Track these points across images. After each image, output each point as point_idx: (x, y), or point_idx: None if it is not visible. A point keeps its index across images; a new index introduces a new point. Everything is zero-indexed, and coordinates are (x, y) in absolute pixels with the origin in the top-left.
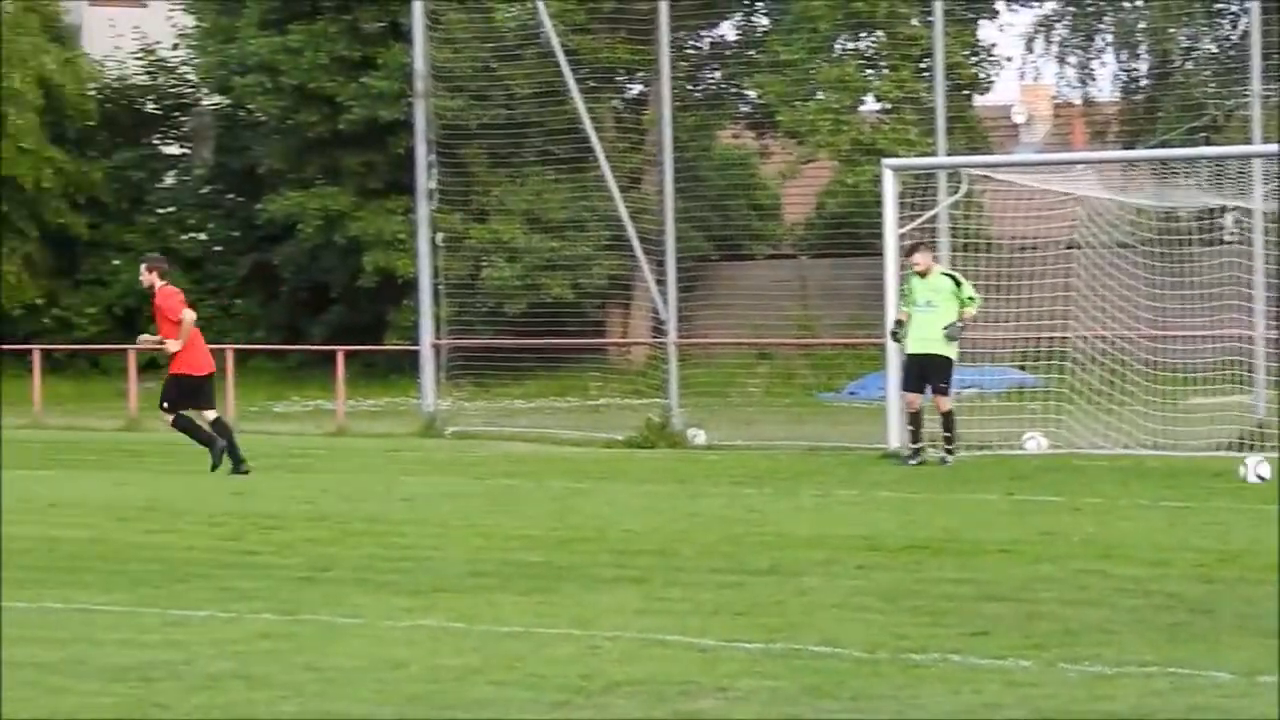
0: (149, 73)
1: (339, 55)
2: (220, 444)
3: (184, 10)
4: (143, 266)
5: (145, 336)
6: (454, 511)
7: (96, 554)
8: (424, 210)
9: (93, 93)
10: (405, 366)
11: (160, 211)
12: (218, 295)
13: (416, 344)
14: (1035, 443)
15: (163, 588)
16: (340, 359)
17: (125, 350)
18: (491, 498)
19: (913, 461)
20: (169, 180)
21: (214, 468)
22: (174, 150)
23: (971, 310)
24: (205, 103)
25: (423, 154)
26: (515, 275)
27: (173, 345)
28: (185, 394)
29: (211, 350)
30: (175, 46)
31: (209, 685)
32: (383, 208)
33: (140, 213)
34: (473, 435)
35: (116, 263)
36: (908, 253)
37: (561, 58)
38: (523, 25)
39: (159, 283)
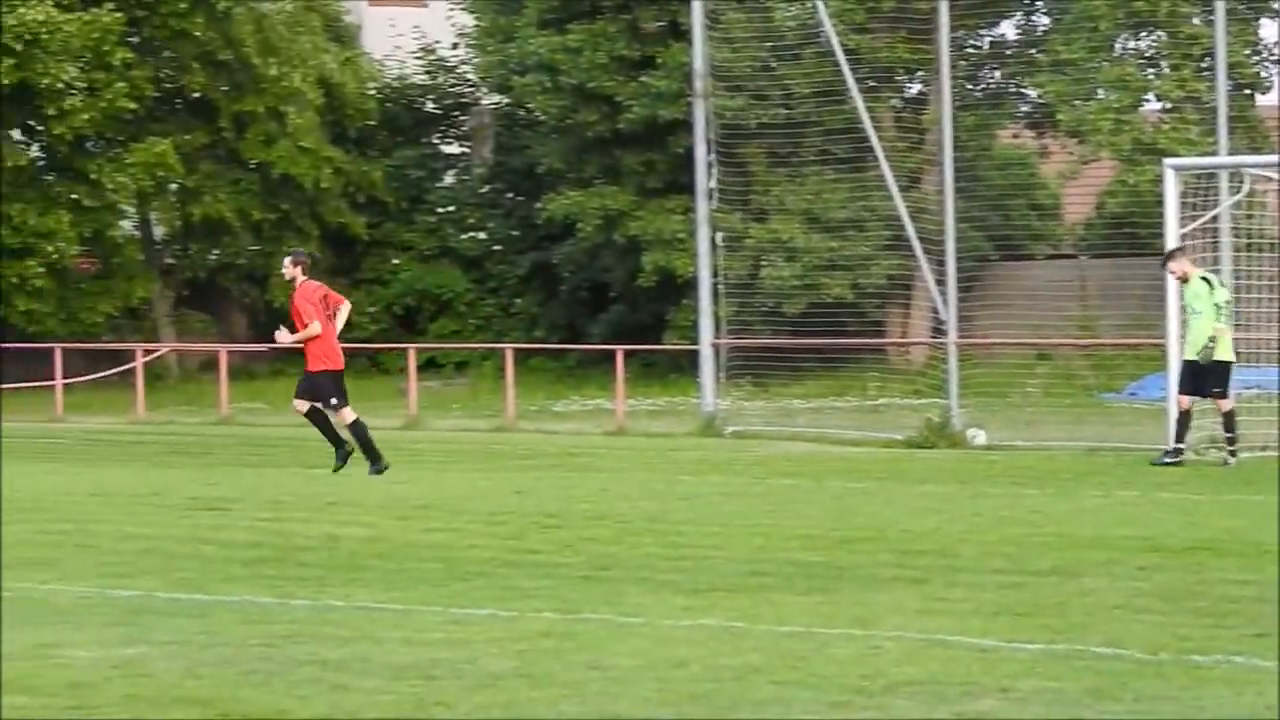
0: (429, 72)
1: (618, 55)
2: (350, 447)
3: (464, 10)
4: (287, 260)
5: (283, 334)
6: (733, 511)
7: (376, 552)
8: (703, 209)
9: (373, 92)
10: (684, 366)
11: (440, 211)
12: (497, 294)
13: (696, 343)
14: None
15: (443, 586)
16: (619, 358)
17: (405, 349)
18: (771, 497)
19: (1168, 460)
20: (448, 179)
21: (337, 469)
22: (454, 149)
23: (1218, 322)
24: (485, 102)
25: (702, 153)
26: (794, 275)
27: (314, 329)
28: (339, 389)
29: (491, 349)
30: (455, 46)
31: (490, 684)
32: (662, 207)
33: (420, 212)
34: (752, 435)
35: (396, 262)
36: (1163, 262)
37: (841, 57)
38: (802, 25)
39: (301, 278)
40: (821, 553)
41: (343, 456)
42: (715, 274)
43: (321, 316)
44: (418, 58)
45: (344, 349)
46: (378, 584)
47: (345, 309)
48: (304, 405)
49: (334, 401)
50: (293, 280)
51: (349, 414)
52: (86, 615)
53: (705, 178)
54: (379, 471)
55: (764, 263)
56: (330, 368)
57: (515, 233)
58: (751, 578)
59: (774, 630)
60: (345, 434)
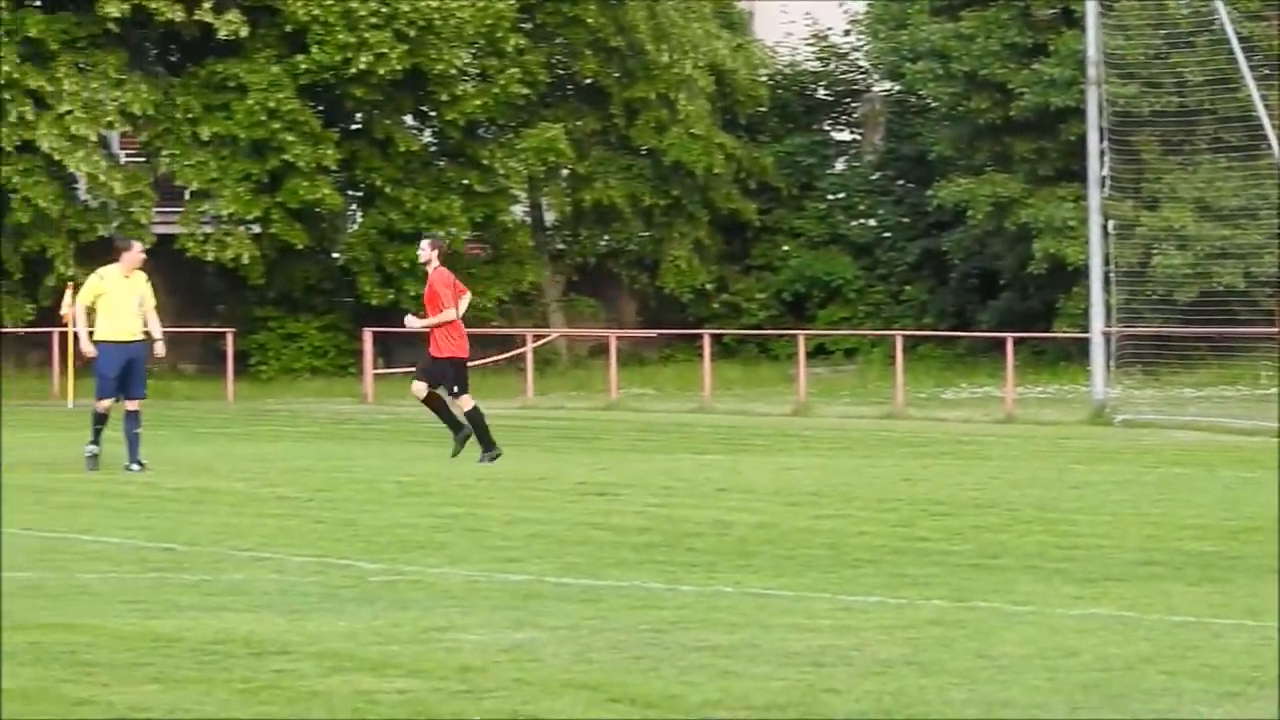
0: (820, 59)
1: (1010, 42)
2: (467, 430)
3: None
4: (425, 244)
5: (412, 319)
6: (1123, 500)
7: (766, 538)
8: (1095, 197)
9: (764, 78)
10: (1074, 354)
11: (830, 198)
12: (887, 281)
13: (1086, 331)
14: None
15: (832, 572)
16: (1009, 346)
17: (795, 335)
18: (1161, 486)
19: None
20: (839, 166)
21: (455, 454)
22: (845, 136)
23: None
24: (876, 89)
25: (1095, 141)
26: (1185, 263)
27: (414, 323)
28: (463, 376)
29: (880, 336)
30: (847, 33)
31: (879, 671)
32: (1054, 194)
33: (810, 198)
34: (1142, 423)
35: (786, 248)
36: None
37: (1235, 44)
38: (1195, 12)
39: (436, 262)
40: (1213, 542)
41: (461, 440)
42: (1106, 262)
43: (455, 302)
44: (809, 44)
45: (733, 334)
46: (767, 570)
47: (467, 299)
48: (423, 389)
49: (455, 389)
50: (428, 264)
51: (468, 401)
52: (476, 599)
53: (1098, 165)
54: (491, 459)
55: (1155, 251)
56: (458, 354)
57: (905, 220)
58: (1142, 567)
59: (1165, 620)
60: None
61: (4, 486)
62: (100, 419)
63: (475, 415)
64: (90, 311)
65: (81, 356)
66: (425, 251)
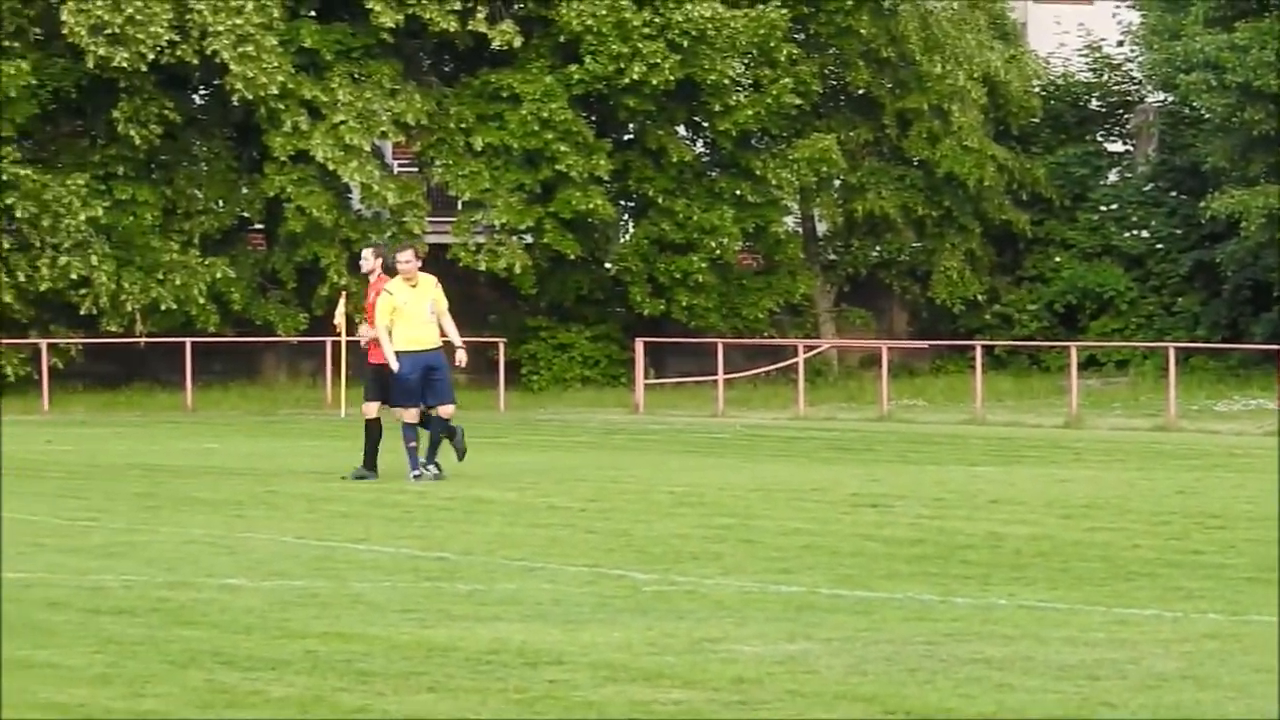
0: (1093, 70)
1: None
2: (459, 437)
3: (1130, 7)
4: (368, 251)
5: (365, 329)
6: None
7: (1039, 551)
8: None
9: (1036, 89)
10: None
11: (1103, 209)
12: (1159, 293)
13: None
14: None
15: (1106, 585)
16: None
17: (1067, 347)
18: None
19: None
20: (1112, 177)
21: (460, 457)
22: (1117, 147)
23: None
24: (1149, 100)
25: None
26: None
27: (367, 332)
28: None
29: (1152, 347)
30: (1120, 44)
31: (1155, 685)
32: None
33: (1082, 210)
34: None
35: (1058, 259)
36: None
37: None
38: None
39: (379, 271)
40: None
41: (459, 445)
42: None
43: None
44: (1082, 55)
45: (1004, 346)
46: (1041, 583)
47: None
48: (374, 408)
49: (377, 397)
50: (371, 272)
51: (373, 410)
52: (750, 610)
53: None
54: (359, 478)
55: None
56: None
57: (1177, 231)
58: None
59: None
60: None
61: (276, 494)
62: (409, 434)
63: (373, 427)
64: (390, 330)
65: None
66: (368, 260)
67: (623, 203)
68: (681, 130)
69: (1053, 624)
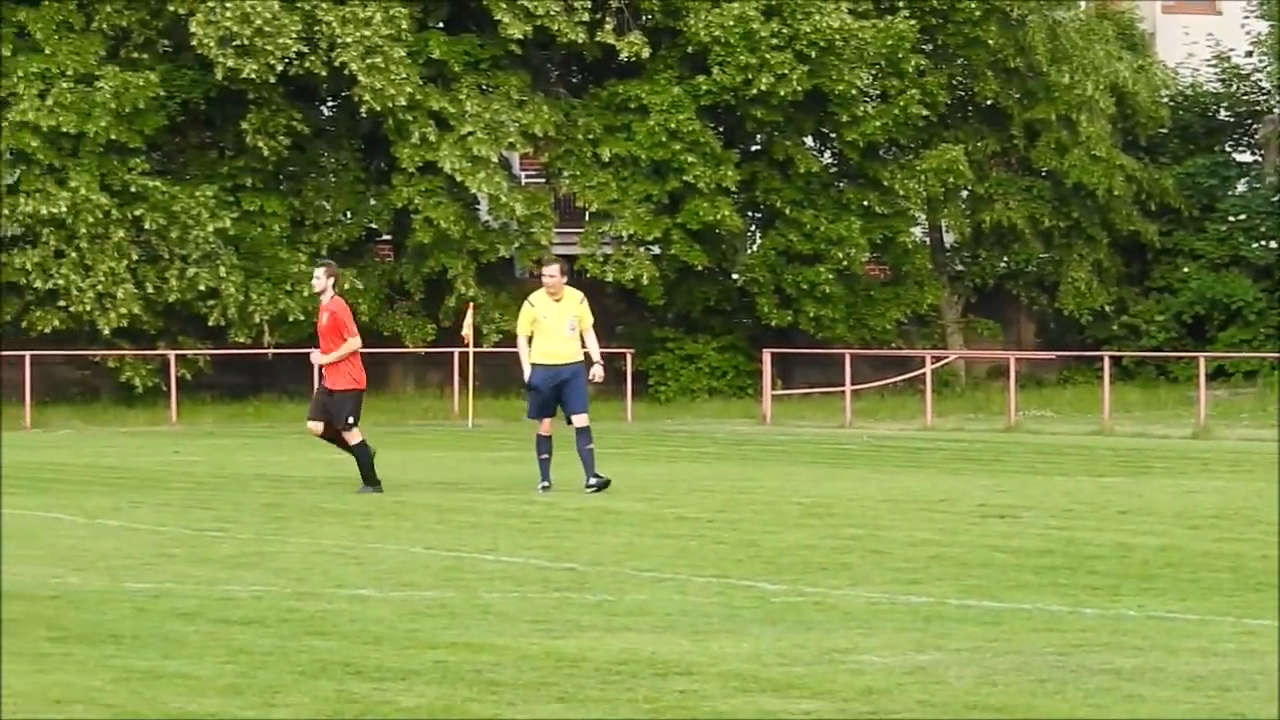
0: (1222, 79)
1: None
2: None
3: (1259, 17)
4: (320, 271)
5: (316, 355)
6: None
7: (1168, 561)
8: None
9: (1165, 99)
10: None
11: (1231, 219)
12: None
13: None
14: None
15: (1236, 596)
16: None
17: (1194, 358)
18: None
19: None
20: (1240, 188)
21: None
22: (1246, 158)
23: None
24: (1278, 110)
25: None
26: None
27: (321, 358)
28: (359, 408)
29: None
30: (1249, 54)
31: None
32: None
33: (1211, 220)
34: None
35: (1186, 270)
36: None
37: None
38: None
39: (332, 291)
40: None
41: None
42: None
43: (355, 331)
44: (1211, 65)
45: (1132, 356)
46: (1170, 593)
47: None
48: (319, 427)
49: (350, 420)
50: (322, 293)
51: (357, 435)
52: (878, 620)
53: None
54: (371, 490)
55: None
56: (358, 386)
57: None
58: None
59: None
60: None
61: (404, 505)
62: (542, 446)
63: (363, 449)
64: (530, 341)
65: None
66: (320, 280)
67: (750, 213)
68: (809, 141)
69: (1182, 635)
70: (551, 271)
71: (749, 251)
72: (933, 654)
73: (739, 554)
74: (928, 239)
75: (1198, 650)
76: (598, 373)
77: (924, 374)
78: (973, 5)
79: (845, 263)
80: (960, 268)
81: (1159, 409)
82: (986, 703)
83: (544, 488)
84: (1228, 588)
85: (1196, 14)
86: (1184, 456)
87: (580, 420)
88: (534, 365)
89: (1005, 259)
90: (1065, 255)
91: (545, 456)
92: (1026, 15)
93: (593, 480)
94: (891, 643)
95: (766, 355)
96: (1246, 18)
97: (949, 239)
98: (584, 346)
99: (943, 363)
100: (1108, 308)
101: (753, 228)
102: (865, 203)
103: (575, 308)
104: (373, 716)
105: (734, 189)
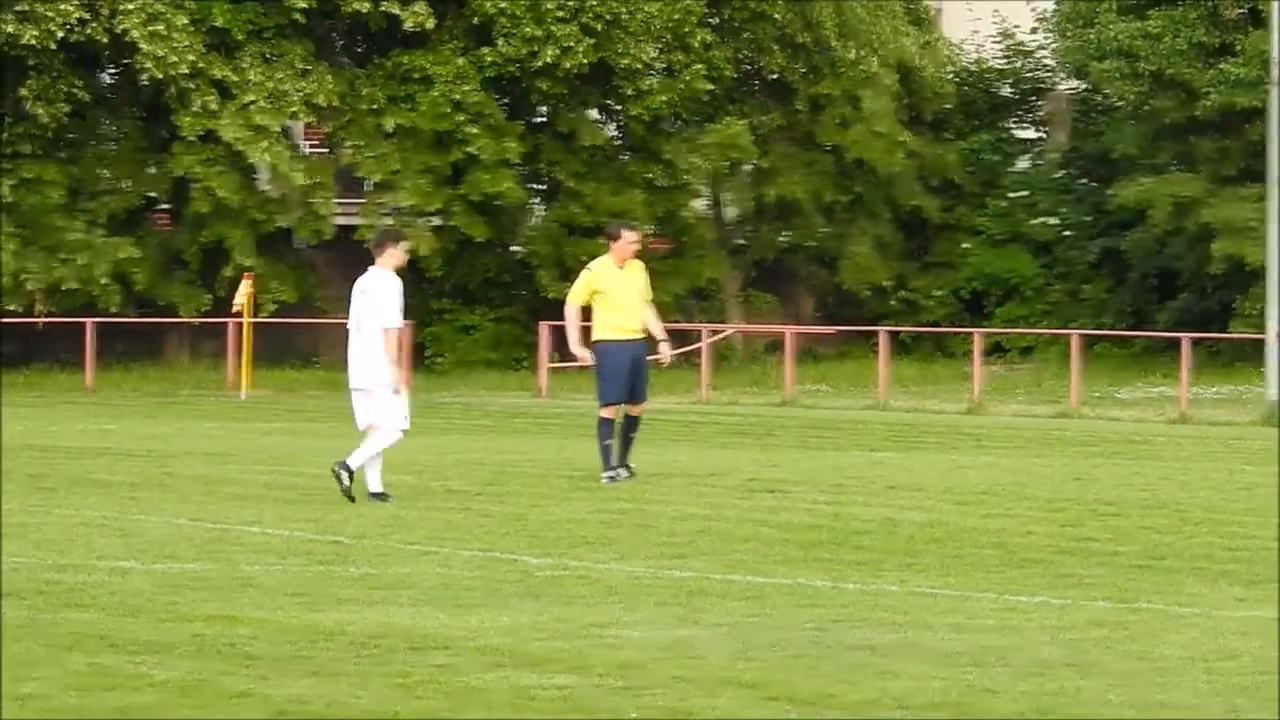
0: (1006, 57)
1: (1197, 41)
2: None
3: None
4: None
5: None
6: None
7: (933, 537)
8: (1276, 198)
9: (950, 76)
10: (1250, 355)
11: (1012, 195)
12: (1066, 280)
13: (1263, 332)
14: None
15: (998, 572)
16: (1185, 346)
17: (971, 333)
18: None
19: None
20: (1022, 164)
21: None
22: (1029, 134)
23: None
24: (1061, 87)
25: (1276, 142)
26: None
27: None
28: None
29: (1057, 334)
30: (1034, 30)
31: (1039, 672)
32: (1235, 195)
33: (992, 196)
34: None
35: (966, 246)
36: None
37: None
38: None
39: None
40: None
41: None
42: None
43: None
44: (996, 42)
45: (910, 331)
46: (933, 569)
47: None
48: None
49: None
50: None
51: None
52: (640, 595)
53: (1278, 166)
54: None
55: None
56: None
57: (1086, 218)
58: None
59: None
60: None
61: (172, 476)
62: (606, 430)
63: None
64: (584, 311)
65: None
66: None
67: (532, 186)
68: (593, 114)
69: (941, 610)
70: (633, 237)
71: (531, 224)
72: (692, 629)
73: (505, 527)
74: (710, 213)
75: (955, 626)
76: (667, 351)
77: (701, 348)
78: None
79: None
80: (741, 242)
81: (935, 384)
82: (741, 678)
83: (611, 477)
84: (991, 564)
85: None
86: (957, 432)
87: (638, 410)
88: (605, 341)
89: (786, 234)
90: (846, 230)
91: (609, 443)
92: None
93: (623, 470)
94: (652, 617)
95: (544, 328)
96: None
97: (731, 213)
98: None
99: (720, 336)
100: (887, 283)
101: (535, 200)
102: (648, 176)
103: (641, 276)
104: (124, 690)
105: (517, 161)
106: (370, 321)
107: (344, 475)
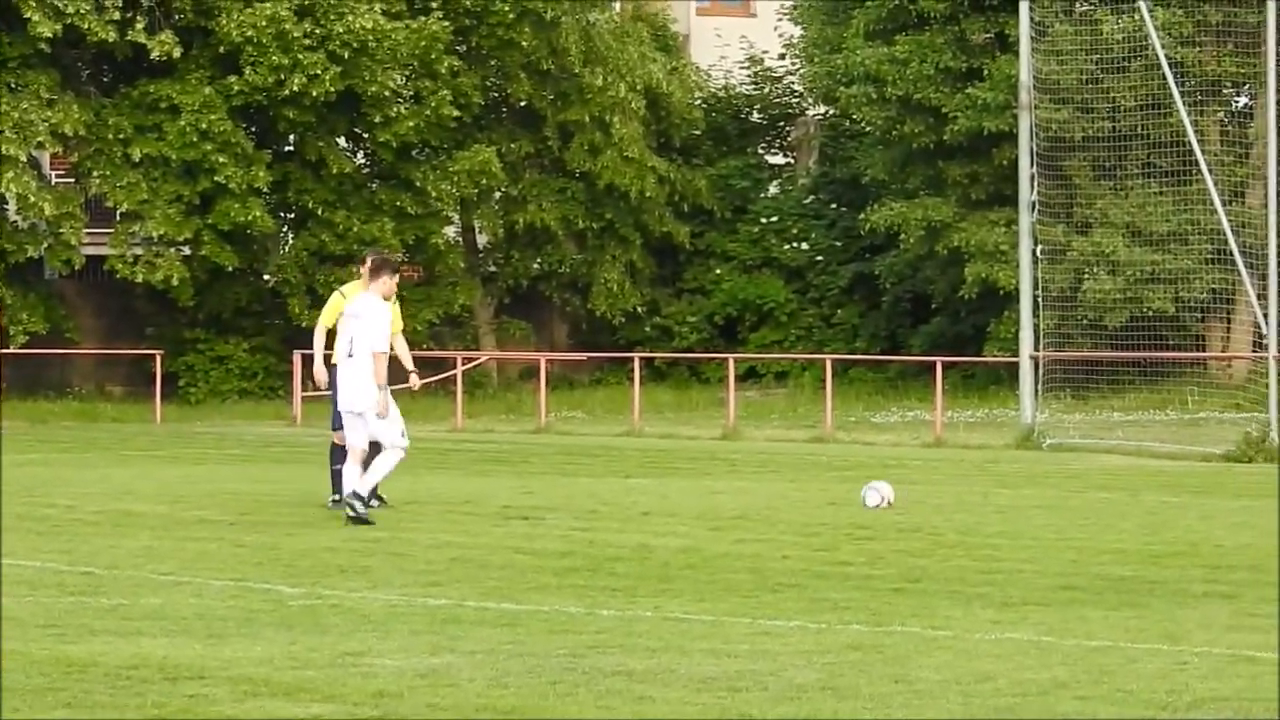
0: (755, 82)
1: (945, 66)
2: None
3: (791, 20)
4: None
5: None
6: (1047, 524)
7: (688, 563)
8: (1026, 222)
9: (699, 102)
10: (1004, 377)
11: (763, 221)
12: (819, 305)
13: (1016, 355)
14: None
15: (753, 597)
16: (939, 370)
17: (725, 359)
18: (1086, 511)
19: None
20: (773, 190)
21: None
22: (779, 160)
23: None
24: (810, 112)
25: (1026, 165)
26: (1116, 288)
27: None
28: None
29: (811, 359)
30: (782, 56)
31: (794, 696)
32: (986, 219)
33: (743, 222)
34: (1070, 447)
35: (719, 271)
36: None
37: (1167, 69)
38: (1129, 37)
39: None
40: (1133, 567)
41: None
42: (1037, 286)
43: None
44: (744, 67)
45: (664, 358)
46: (688, 594)
47: None
48: None
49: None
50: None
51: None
52: (395, 623)
53: (1029, 190)
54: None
55: (1085, 275)
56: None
57: (838, 243)
58: (1062, 592)
59: (1082, 645)
60: None
61: None
62: (337, 455)
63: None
64: (330, 334)
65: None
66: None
67: (282, 214)
68: (342, 142)
69: (697, 636)
70: (395, 280)
71: (281, 252)
72: (447, 656)
73: (259, 557)
74: (461, 240)
75: (711, 651)
76: (415, 381)
77: (455, 375)
78: (506, 7)
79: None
80: (494, 269)
81: (690, 410)
82: (497, 705)
83: (334, 501)
84: (745, 588)
85: (730, 16)
86: (712, 457)
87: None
88: (338, 367)
89: (538, 260)
90: (598, 257)
91: (338, 468)
92: (560, 17)
93: (375, 500)
94: (406, 645)
95: (297, 356)
96: (779, 20)
97: (482, 240)
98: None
99: (474, 364)
100: (640, 309)
101: (285, 229)
102: (398, 204)
103: (391, 308)
104: None
105: (266, 189)
106: (361, 346)
107: (357, 504)
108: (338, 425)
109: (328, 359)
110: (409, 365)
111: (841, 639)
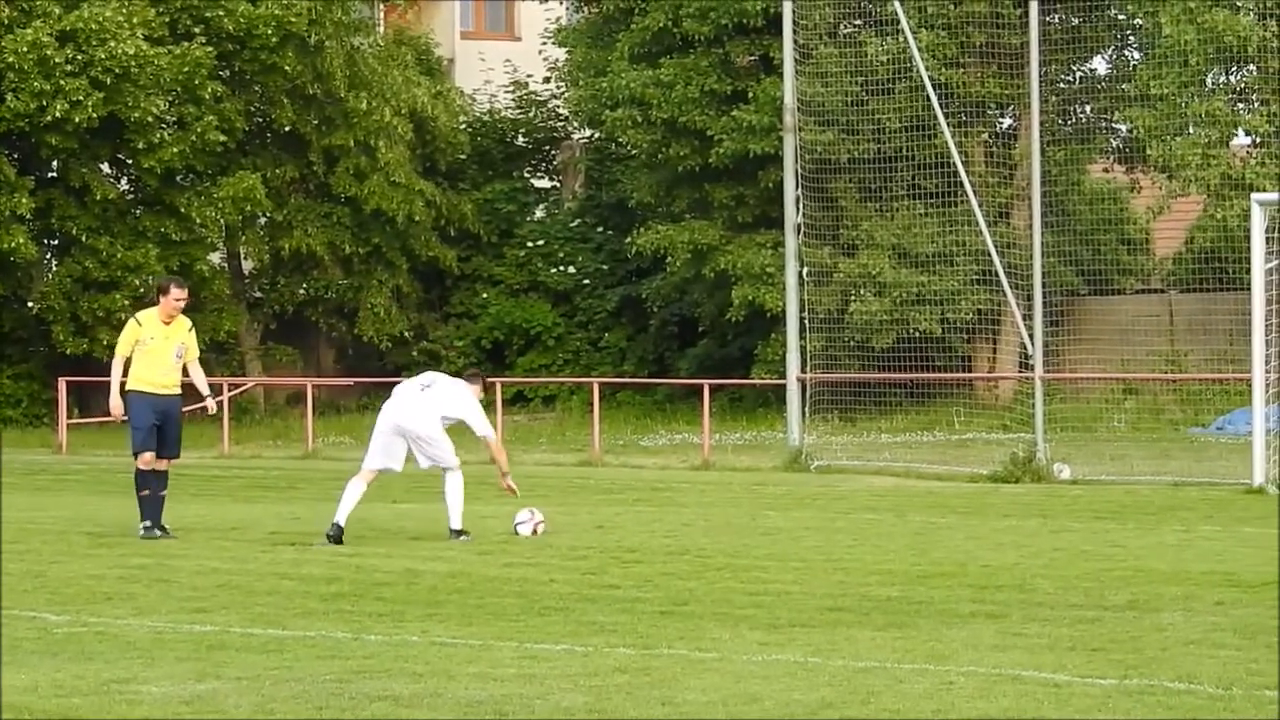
0: (520, 106)
1: (710, 89)
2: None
3: (555, 44)
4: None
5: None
6: (814, 546)
7: (456, 587)
8: (792, 244)
9: (464, 126)
10: (772, 400)
11: (530, 245)
12: (586, 329)
13: (783, 378)
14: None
15: (520, 621)
16: (706, 393)
17: (493, 383)
18: (853, 532)
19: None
20: (539, 213)
21: None
22: (544, 183)
23: None
24: (575, 136)
25: (791, 187)
26: (882, 309)
27: None
28: None
29: (579, 383)
30: (547, 80)
31: (561, 719)
32: (752, 241)
33: (509, 246)
34: (838, 469)
35: (485, 296)
36: None
37: (931, 91)
38: (893, 59)
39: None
40: (900, 588)
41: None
42: (803, 308)
43: None
44: (509, 91)
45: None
46: (455, 619)
47: None
48: None
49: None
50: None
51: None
52: (161, 650)
53: (794, 212)
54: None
55: (852, 297)
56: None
57: (605, 267)
58: (829, 613)
59: (849, 665)
60: None
61: None
62: (141, 480)
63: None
64: (126, 362)
65: (109, 412)
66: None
67: (46, 241)
68: (106, 168)
69: (464, 660)
70: (181, 295)
71: (45, 279)
72: (212, 683)
73: (24, 584)
74: (226, 265)
75: (477, 675)
76: (211, 404)
77: (221, 401)
78: (269, 32)
79: (141, 290)
80: (259, 294)
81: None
82: None
83: (146, 528)
84: (513, 612)
85: (495, 40)
86: (479, 481)
87: (165, 465)
88: (134, 392)
89: (305, 285)
90: (365, 281)
91: (145, 493)
92: (324, 41)
93: (157, 530)
94: (171, 672)
95: (62, 384)
96: (545, 43)
97: (248, 266)
98: (186, 377)
99: (241, 390)
100: (407, 334)
101: (48, 255)
102: (163, 230)
103: (184, 335)
104: None
105: (29, 216)
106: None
107: (463, 537)
108: (140, 448)
109: (123, 386)
110: (204, 390)
111: (609, 662)
